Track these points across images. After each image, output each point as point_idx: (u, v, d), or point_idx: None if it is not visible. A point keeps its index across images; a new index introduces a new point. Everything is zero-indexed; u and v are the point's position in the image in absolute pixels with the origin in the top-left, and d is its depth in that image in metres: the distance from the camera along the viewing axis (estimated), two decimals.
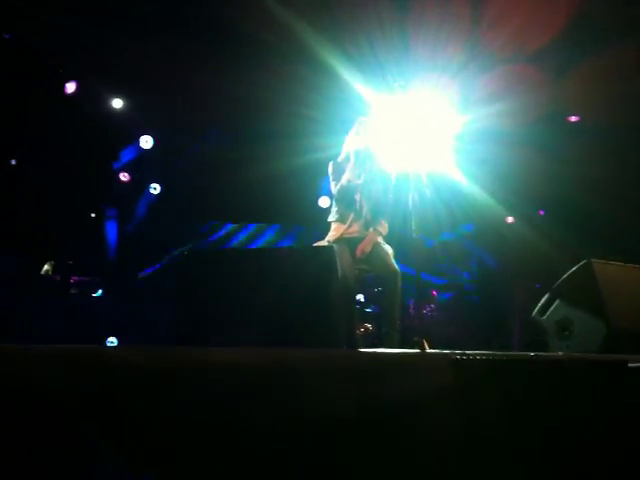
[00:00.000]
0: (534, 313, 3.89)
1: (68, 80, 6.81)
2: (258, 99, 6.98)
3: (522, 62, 6.15)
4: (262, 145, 7.18)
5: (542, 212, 7.48)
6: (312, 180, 7.63)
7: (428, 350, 3.77)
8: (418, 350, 3.41)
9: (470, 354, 2.86)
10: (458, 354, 2.91)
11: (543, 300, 3.86)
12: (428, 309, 6.83)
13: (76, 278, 6.52)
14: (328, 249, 3.47)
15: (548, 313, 3.79)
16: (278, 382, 2.64)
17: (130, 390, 2.21)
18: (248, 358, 2.69)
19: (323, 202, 7.95)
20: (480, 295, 7.04)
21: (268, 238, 8.02)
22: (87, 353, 2.56)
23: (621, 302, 3.54)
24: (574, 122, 7.08)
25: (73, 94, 6.81)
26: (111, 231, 7.18)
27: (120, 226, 7.22)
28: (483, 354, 2.83)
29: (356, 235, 4.43)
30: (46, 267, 6.61)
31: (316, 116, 7.09)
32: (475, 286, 7.18)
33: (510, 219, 7.64)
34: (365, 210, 4.51)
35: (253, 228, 8.05)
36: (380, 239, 4.46)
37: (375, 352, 2.88)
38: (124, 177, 7.40)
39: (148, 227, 7.26)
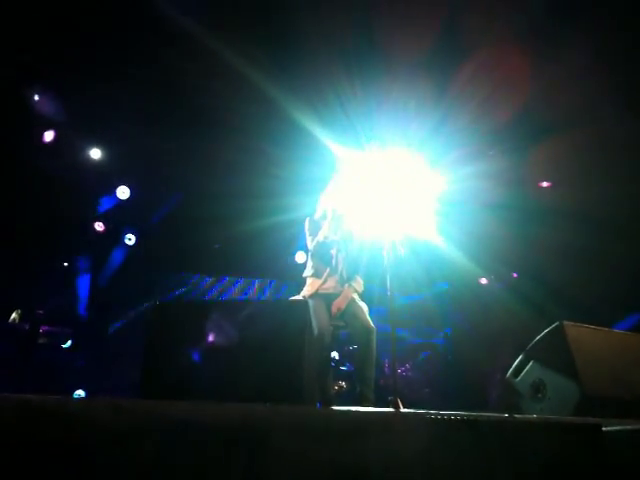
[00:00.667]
0: (508, 374, 3.88)
1: (46, 129, 6.81)
2: (232, 158, 7.08)
3: (495, 127, 6.35)
4: (236, 202, 7.23)
5: (515, 275, 7.55)
6: (287, 236, 7.68)
7: (402, 409, 3.71)
8: (393, 409, 3.35)
9: (445, 414, 2.82)
10: (433, 414, 2.87)
11: (517, 362, 3.85)
12: (403, 369, 6.77)
13: (46, 328, 6.37)
14: (302, 303, 3.44)
15: (522, 375, 3.78)
16: (245, 441, 2.57)
17: (96, 443, 2.13)
18: (214, 414, 2.62)
19: (299, 257, 7.97)
20: (454, 355, 7.00)
21: (242, 291, 7.96)
22: (53, 404, 2.47)
23: (593, 365, 3.54)
24: (546, 187, 7.25)
25: (51, 143, 6.81)
26: (84, 281, 7.06)
27: (93, 276, 7.10)
28: (458, 414, 2.80)
29: (332, 291, 4.43)
30: (14, 315, 6.45)
31: (288, 175, 7.20)
32: (449, 346, 7.15)
33: (484, 280, 7.71)
34: (341, 266, 4.52)
35: (226, 281, 8.00)
36: (355, 295, 4.46)
37: (349, 410, 2.82)
38: (99, 227, 7.34)
39: (121, 278, 7.16)
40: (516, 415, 2.82)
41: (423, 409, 3.41)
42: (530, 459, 2.46)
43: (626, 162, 5.87)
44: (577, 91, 5.86)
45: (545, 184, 7.26)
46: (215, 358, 3.15)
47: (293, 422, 2.72)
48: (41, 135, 6.72)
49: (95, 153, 7.10)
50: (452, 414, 2.82)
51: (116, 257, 7.23)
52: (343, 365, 6.02)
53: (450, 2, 5.71)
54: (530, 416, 2.88)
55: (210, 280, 7.79)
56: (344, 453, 2.51)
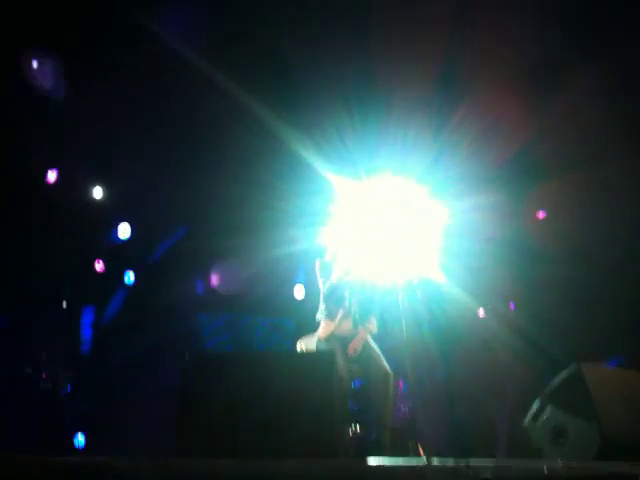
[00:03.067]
0: (527, 420, 3.91)
1: (49, 169, 6.81)
2: (232, 193, 7.12)
3: (493, 158, 6.46)
4: (236, 237, 7.25)
5: (512, 306, 7.60)
6: (287, 271, 7.68)
7: (422, 454, 3.75)
8: (418, 457, 3.39)
9: (474, 467, 2.85)
10: (463, 469, 2.89)
11: (535, 406, 3.89)
12: (402, 407, 6.72)
13: (46, 372, 6.30)
14: (329, 355, 3.48)
15: (541, 420, 3.81)
16: None
17: None
18: (254, 472, 2.63)
19: (298, 293, 7.95)
20: (456, 396, 6.97)
21: (244, 328, 7.92)
22: (96, 465, 2.48)
23: (614, 407, 3.60)
24: (542, 219, 7.35)
25: (54, 183, 6.80)
26: (85, 322, 7.00)
27: (95, 318, 7.05)
28: (490, 466, 2.83)
29: (346, 333, 4.45)
30: None
31: (288, 208, 7.24)
32: (450, 386, 7.12)
33: (481, 312, 7.73)
34: (354, 308, 4.56)
35: (227, 319, 7.96)
36: (369, 338, 4.49)
37: (382, 466, 2.85)
38: (99, 266, 7.29)
39: (122, 318, 7.11)
40: (551, 464, 2.85)
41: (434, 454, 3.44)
42: None
43: (627, 197, 6.01)
44: (576, 128, 6.02)
45: (541, 215, 7.36)
46: (246, 411, 3.17)
47: (329, 476, 2.75)
48: (44, 176, 6.71)
49: (97, 192, 7.10)
50: (483, 466, 2.86)
51: (117, 297, 7.19)
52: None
53: (451, 37, 5.85)
54: (566, 463, 2.92)
55: (210, 318, 7.75)
56: None
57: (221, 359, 3.40)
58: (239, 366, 3.24)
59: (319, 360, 3.38)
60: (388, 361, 4.43)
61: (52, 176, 6.73)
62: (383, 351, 4.50)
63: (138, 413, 6.20)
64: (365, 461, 2.93)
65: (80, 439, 6.24)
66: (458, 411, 6.15)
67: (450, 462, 3.03)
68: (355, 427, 5.28)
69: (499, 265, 6.89)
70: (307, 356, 4.01)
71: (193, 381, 3.20)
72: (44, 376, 6.19)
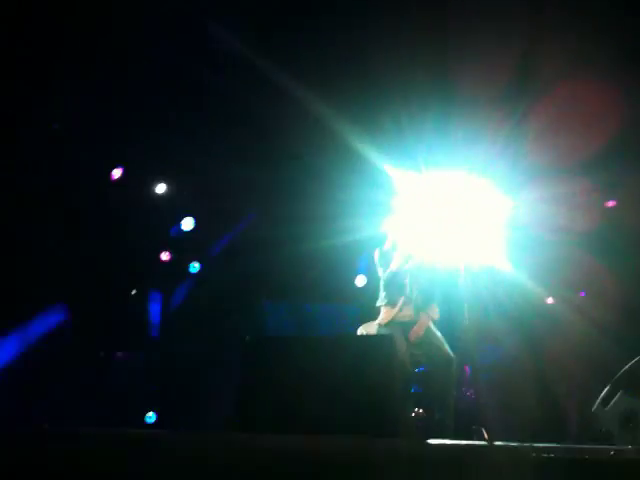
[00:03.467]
0: (596, 404, 3.82)
1: (115, 166, 7.08)
2: (294, 184, 7.20)
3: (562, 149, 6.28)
4: (298, 227, 7.32)
5: (583, 294, 7.40)
6: (349, 259, 7.71)
7: (487, 439, 3.71)
8: (482, 441, 3.35)
9: (543, 448, 2.79)
10: (528, 448, 2.85)
11: (605, 391, 3.79)
12: (469, 392, 6.67)
13: (119, 354, 6.62)
14: (388, 339, 3.49)
15: (611, 404, 3.72)
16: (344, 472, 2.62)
17: None
18: (316, 447, 2.68)
19: (359, 281, 7.97)
20: (523, 379, 6.87)
21: (307, 315, 8.00)
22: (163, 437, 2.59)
23: None
24: (611, 207, 7.12)
25: (119, 179, 7.07)
26: (154, 309, 7.28)
27: (163, 304, 7.31)
28: (559, 449, 2.77)
29: (408, 319, 4.45)
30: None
31: (348, 199, 7.25)
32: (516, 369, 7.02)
33: (550, 300, 7.56)
34: (416, 294, 4.54)
35: (290, 307, 8.06)
36: (431, 324, 4.47)
37: (445, 444, 2.84)
38: (165, 256, 7.54)
39: (189, 306, 7.35)
40: (622, 448, 2.77)
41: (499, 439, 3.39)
42: None
43: None
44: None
45: (610, 203, 7.14)
46: (305, 392, 3.22)
47: (390, 456, 2.76)
48: (109, 173, 7.00)
49: (160, 188, 7.33)
50: (550, 448, 2.80)
51: (184, 286, 7.43)
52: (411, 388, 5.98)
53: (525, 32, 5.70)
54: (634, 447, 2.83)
55: (273, 306, 7.85)
56: None
57: (281, 342, 3.46)
58: (299, 349, 3.30)
59: (378, 342, 3.41)
60: (453, 348, 4.41)
61: (117, 173, 7.02)
62: (447, 337, 4.49)
63: (205, 396, 6.43)
64: (426, 442, 2.93)
65: (150, 416, 6.55)
66: (527, 397, 6.06)
67: (513, 444, 2.99)
68: (418, 410, 5.28)
69: (568, 256, 6.73)
70: (367, 338, 4.03)
71: (254, 364, 3.27)
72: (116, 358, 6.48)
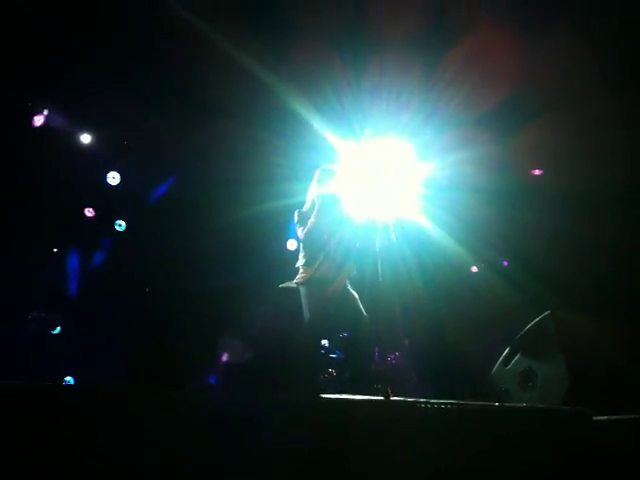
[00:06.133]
0: (497, 364, 3.90)
1: (36, 113, 6.73)
2: (227, 146, 7.04)
3: (485, 113, 6.36)
4: (230, 190, 7.19)
5: (506, 263, 7.56)
6: (280, 224, 7.61)
7: (392, 398, 3.73)
8: (382, 397, 3.37)
9: (434, 402, 2.84)
10: (422, 402, 2.89)
11: (506, 351, 3.87)
12: (392, 356, 6.77)
13: (35, 313, 6.35)
14: (293, 291, 3.45)
15: (512, 364, 3.80)
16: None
17: None
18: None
19: (290, 245, 7.91)
20: (442, 343, 7.00)
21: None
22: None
23: (582, 355, 3.57)
24: (537, 175, 7.27)
25: (41, 127, 6.73)
26: (73, 266, 7.01)
27: (82, 261, 7.06)
28: (447, 402, 2.82)
29: (328, 276, 4.40)
30: None
31: (285, 163, 7.16)
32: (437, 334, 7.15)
33: (474, 268, 7.71)
34: (333, 252, 4.50)
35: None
36: (347, 282, 4.45)
37: (339, 398, 2.83)
38: (89, 213, 7.28)
39: (111, 264, 7.11)
40: (506, 404, 2.84)
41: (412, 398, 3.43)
42: (518, 447, 2.49)
43: (616, 144, 5.89)
44: (563, 74, 5.89)
45: (536, 172, 7.28)
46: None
47: (281, 409, 2.74)
48: (30, 119, 6.63)
49: (85, 138, 7.03)
50: (441, 402, 2.84)
51: (106, 243, 7.18)
52: (333, 353, 6.01)
53: None
54: (519, 404, 2.90)
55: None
56: (330, 441, 2.53)
57: (189, 295, 3.38)
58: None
59: (284, 296, 3.36)
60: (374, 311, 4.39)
61: (39, 120, 6.66)
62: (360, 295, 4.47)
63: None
64: (319, 397, 2.92)
65: (69, 379, 6.35)
66: (445, 359, 6.19)
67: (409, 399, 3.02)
68: (331, 371, 5.32)
69: (487, 214, 6.86)
70: (272, 292, 3.97)
71: (153, 315, 3.19)
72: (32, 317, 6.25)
